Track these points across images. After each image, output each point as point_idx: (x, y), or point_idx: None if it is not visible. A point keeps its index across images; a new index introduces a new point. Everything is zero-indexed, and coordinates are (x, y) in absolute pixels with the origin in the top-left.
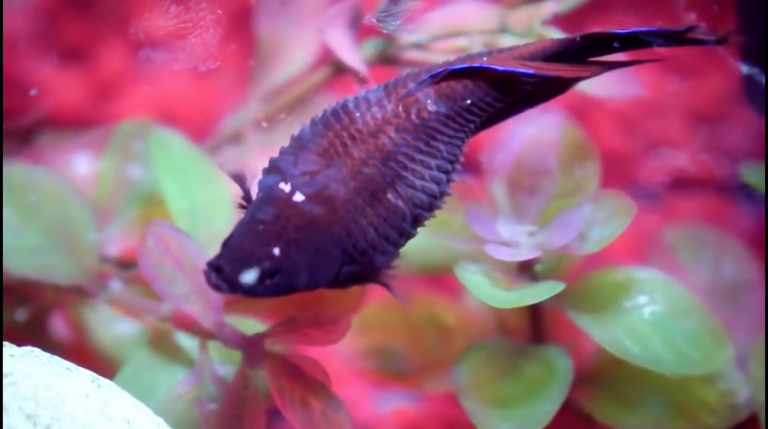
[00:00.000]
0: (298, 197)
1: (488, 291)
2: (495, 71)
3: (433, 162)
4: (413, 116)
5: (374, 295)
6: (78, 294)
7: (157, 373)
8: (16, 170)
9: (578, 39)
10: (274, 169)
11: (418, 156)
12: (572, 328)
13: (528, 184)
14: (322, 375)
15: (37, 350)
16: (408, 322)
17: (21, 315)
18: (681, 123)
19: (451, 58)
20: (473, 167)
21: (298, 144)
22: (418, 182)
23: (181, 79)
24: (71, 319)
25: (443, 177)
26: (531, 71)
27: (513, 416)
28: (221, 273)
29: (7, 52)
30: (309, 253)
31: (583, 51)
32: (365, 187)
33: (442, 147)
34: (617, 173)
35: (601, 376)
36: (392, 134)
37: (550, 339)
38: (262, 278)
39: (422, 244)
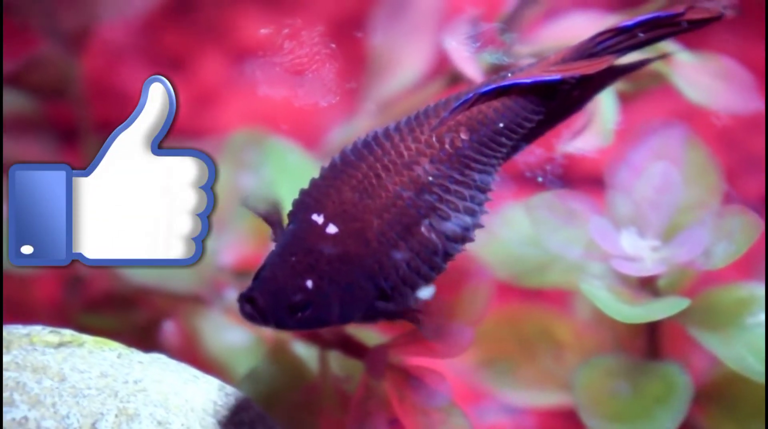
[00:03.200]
0: (331, 229)
1: (615, 306)
2: (523, 87)
3: (467, 192)
4: (447, 146)
5: (490, 307)
6: (193, 302)
7: (276, 383)
8: None
9: (590, 41)
10: (305, 200)
11: (453, 187)
12: (685, 344)
13: (652, 199)
14: (444, 387)
15: (163, 357)
16: (521, 336)
17: (133, 322)
18: None
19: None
20: (596, 181)
21: (330, 175)
22: (452, 214)
23: (285, 84)
24: (183, 327)
25: (476, 208)
26: (558, 76)
27: None
28: (254, 305)
29: (107, 63)
30: (341, 287)
31: (599, 51)
32: (399, 220)
33: (476, 176)
34: None
35: (718, 393)
36: (427, 165)
37: (664, 355)
38: (294, 311)
39: (540, 258)
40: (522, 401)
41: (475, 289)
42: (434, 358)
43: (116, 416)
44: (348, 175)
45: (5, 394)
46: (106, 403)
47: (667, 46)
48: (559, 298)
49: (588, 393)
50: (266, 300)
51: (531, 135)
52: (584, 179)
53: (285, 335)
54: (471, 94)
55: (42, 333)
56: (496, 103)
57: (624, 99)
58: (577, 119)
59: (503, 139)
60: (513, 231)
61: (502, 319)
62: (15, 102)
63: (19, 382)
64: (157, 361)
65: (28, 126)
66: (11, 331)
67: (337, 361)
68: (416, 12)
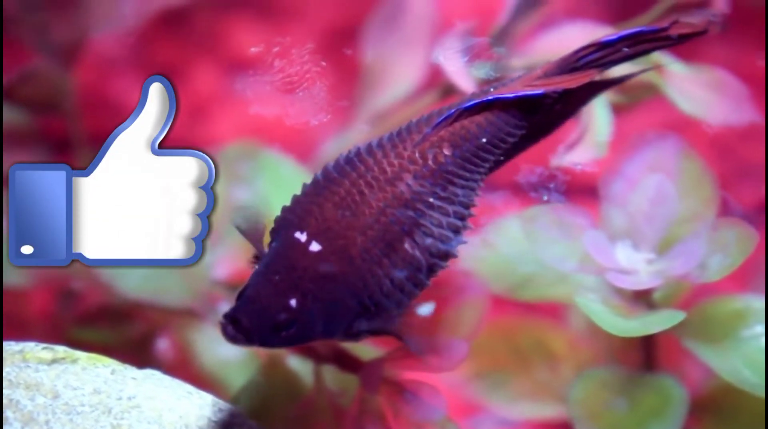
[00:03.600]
0: (315, 247)
1: (610, 320)
2: (506, 101)
3: (450, 208)
4: (430, 162)
5: (484, 321)
6: (187, 316)
7: (270, 397)
8: None
9: (573, 55)
10: (288, 217)
11: (437, 202)
12: (679, 356)
13: (646, 212)
14: (438, 401)
15: (157, 373)
16: (516, 349)
17: (127, 336)
18: None
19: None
20: (591, 194)
21: (313, 192)
22: (436, 230)
23: (276, 103)
24: (177, 341)
25: (460, 224)
26: (541, 91)
27: None
28: (238, 325)
29: (100, 76)
30: (325, 304)
31: (581, 65)
32: (382, 237)
33: (459, 191)
34: None
35: (713, 405)
36: (410, 181)
37: (659, 366)
38: (278, 330)
39: (535, 271)
40: (516, 414)
41: (470, 304)
42: (429, 372)
43: None
44: (331, 191)
45: None
46: (99, 420)
47: (660, 57)
48: (553, 311)
49: (583, 406)
50: (250, 320)
51: (513, 150)
52: (579, 192)
53: (279, 350)
54: (453, 110)
55: (35, 349)
56: (478, 118)
57: (618, 111)
58: (571, 132)
59: (486, 155)
60: (508, 244)
61: (496, 332)
62: (8, 115)
63: (12, 399)
64: (151, 377)
65: (22, 139)
66: (4, 347)
67: (331, 375)
68: (409, 25)
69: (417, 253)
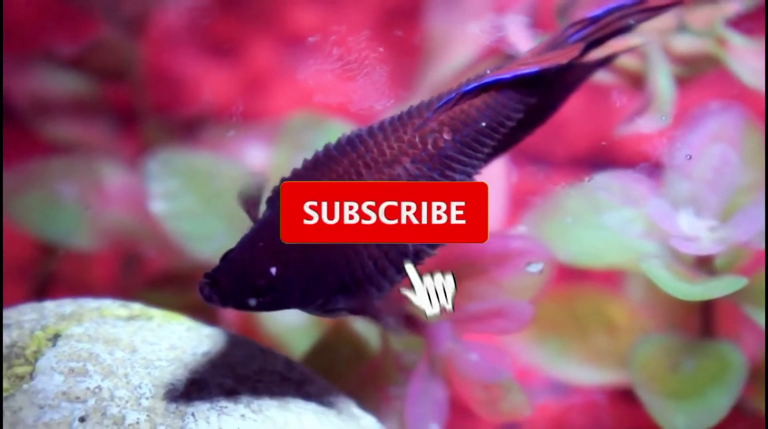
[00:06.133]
0: None
1: (674, 284)
2: (504, 83)
3: None
4: (429, 146)
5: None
6: None
7: (338, 358)
8: (200, 159)
9: (562, 33)
10: None
11: None
12: (736, 323)
13: (709, 180)
14: (504, 362)
15: (231, 330)
16: (575, 316)
17: (193, 301)
18: None
19: (462, 80)
20: (654, 162)
21: (312, 167)
22: None
23: (339, 90)
24: None
25: None
26: (535, 68)
27: (689, 409)
28: (216, 286)
29: (165, 47)
30: (305, 277)
31: (571, 43)
32: None
33: (457, 177)
34: None
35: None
36: (408, 165)
37: (717, 333)
38: (254, 295)
39: (598, 239)
40: (574, 378)
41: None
42: (494, 335)
43: (186, 386)
44: (329, 169)
45: (78, 365)
46: (176, 373)
47: (723, 32)
48: (611, 279)
49: (644, 370)
50: (229, 282)
51: (512, 138)
52: (643, 160)
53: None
54: (453, 94)
55: (112, 306)
56: (477, 102)
57: (680, 82)
58: (637, 101)
59: (485, 139)
60: (571, 212)
61: (556, 299)
62: (76, 84)
63: (92, 353)
64: (224, 334)
65: (89, 108)
66: (82, 304)
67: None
68: None
69: None
